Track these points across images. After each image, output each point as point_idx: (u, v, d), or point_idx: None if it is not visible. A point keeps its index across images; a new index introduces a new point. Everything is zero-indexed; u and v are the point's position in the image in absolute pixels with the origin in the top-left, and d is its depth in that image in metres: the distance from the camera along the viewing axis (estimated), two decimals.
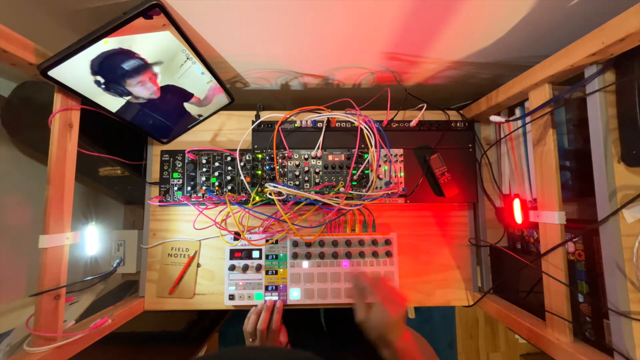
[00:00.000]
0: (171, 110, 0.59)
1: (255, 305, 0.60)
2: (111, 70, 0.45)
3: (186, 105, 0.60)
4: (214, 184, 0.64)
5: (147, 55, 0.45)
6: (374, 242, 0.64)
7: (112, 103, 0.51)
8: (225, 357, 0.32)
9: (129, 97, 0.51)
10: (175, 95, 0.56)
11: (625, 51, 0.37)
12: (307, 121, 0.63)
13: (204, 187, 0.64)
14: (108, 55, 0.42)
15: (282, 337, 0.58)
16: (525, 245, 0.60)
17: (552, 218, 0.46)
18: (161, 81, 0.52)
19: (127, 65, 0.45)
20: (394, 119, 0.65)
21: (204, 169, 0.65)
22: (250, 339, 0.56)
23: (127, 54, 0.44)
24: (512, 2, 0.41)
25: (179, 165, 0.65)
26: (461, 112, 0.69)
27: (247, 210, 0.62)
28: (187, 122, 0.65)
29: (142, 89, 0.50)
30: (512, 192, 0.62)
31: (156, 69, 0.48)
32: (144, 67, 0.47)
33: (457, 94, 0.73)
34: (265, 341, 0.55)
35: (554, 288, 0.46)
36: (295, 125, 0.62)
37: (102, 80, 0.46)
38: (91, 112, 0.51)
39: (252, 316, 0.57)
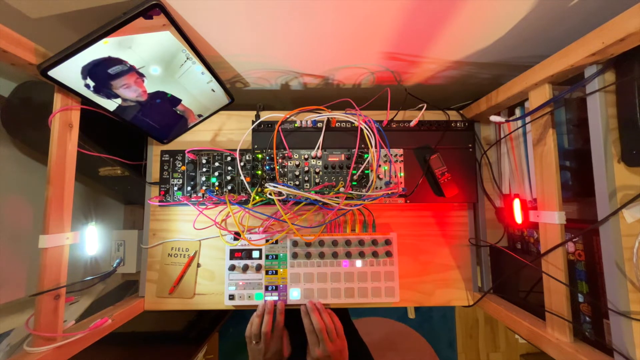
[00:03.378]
0: (171, 110, 0.59)
1: (256, 306, 0.60)
2: (99, 74, 0.46)
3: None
4: (214, 184, 0.64)
5: (138, 59, 0.46)
6: (374, 242, 0.64)
7: (111, 103, 0.51)
8: None
9: (118, 100, 0.51)
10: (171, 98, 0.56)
11: (625, 51, 0.37)
12: (307, 121, 0.63)
13: (204, 187, 0.64)
14: (96, 63, 0.43)
15: (284, 339, 0.59)
16: (525, 245, 0.60)
17: (552, 218, 0.46)
18: (158, 83, 0.52)
19: (112, 70, 0.46)
20: (394, 119, 0.65)
21: (204, 169, 0.65)
22: (254, 342, 0.56)
23: (113, 61, 0.44)
24: (512, 2, 0.41)
25: (179, 166, 0.65)
26: (461, 112, 0.69)
27: (247, 210, 0.62)
28: (187, 122, 0.65)
29: (128, 91, 0.51)
30: (512, 192, 0.62)
31: (142, 72, 0.48)
32: (127, 70, 0.47)
33: (457, 94, 0.73)
34: (269, 343, 0.56)
35: (554, 288, 0.46)
36: (295, 125, 0.62)
37: (91, 84, 0.47)
38: (91, 112, 0.51)
39: (255, 319, 0.58)
